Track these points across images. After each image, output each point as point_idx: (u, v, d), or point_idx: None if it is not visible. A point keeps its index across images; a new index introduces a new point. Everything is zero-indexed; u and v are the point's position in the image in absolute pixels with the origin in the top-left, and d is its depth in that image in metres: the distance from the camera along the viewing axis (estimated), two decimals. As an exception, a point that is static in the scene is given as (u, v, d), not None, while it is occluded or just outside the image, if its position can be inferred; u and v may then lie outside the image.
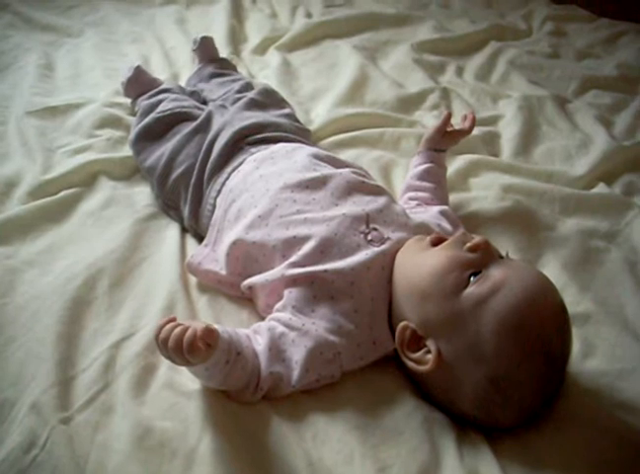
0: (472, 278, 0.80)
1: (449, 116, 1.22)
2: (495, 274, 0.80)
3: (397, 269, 0.90)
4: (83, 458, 0.75)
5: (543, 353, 0.77)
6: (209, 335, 0.71)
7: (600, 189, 1.29)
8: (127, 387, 0.83)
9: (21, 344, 0.90)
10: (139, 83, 1.48)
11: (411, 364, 0.82)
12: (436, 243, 0.88)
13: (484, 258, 0.83)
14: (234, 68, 1.60)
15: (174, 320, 0.74)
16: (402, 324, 0.84)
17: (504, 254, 0.88)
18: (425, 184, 1.16)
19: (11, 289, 0.99)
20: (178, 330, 0.71)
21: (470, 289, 0.80)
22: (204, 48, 1.59)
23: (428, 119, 1.50)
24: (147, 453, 0.75)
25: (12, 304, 0.96)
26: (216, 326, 0.77)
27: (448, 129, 1.22)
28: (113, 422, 0.79)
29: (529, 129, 1.48)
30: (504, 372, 0.77)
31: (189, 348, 0.70)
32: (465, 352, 0.79)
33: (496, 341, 0.77)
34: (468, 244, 0.84)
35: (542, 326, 0.77)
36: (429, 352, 0.81)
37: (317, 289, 0.88)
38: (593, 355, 0.93)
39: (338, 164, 1.09)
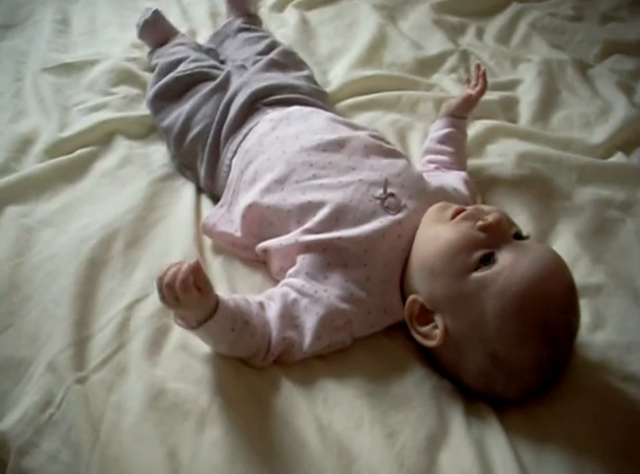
0: (482, 261, 0.79)
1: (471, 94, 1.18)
2: (504, 256, 0.79)
3: (416, 239, 0.89)
4: (98, 418, 0.77)
5: (545, 337, 0.77)
6: (196, 273, 0.71)
7: (618, 158, 1.27)
8: (142, 348, 0.85)
9: (36, 303, 0.91)
10: (157, 29, 1.47)
11: (419, 338, 0.83)
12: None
13: (495, 238, 0.81)
14: (261, 24, 1.58)
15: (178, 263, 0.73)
16: (411, 298, 0.84)
17: (522, 229, 0.87)
18: (445, 148, 1.15)
19: (27, 249, 1.00)
20: (174, 268, 0.71)
21: (477, 272, 0.79)
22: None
23: (446, 83, 1.48)
24: (160, 414, 0.77)
25: (28, 264, 0.97)
26: (223, 294, 0.78)
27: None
28: (127, 382, 0.81)
29: (549, 95, 1.45)
30: (505, 353, 0.77)
31: (182, 284, 0.69)
32: (470, 330, 0.79)
33: (498, 323, 0.77)
34: (480, 222, 0.82)
35: (546, 311, 0.77)
36: (436, 326, 0.81)
37: (330, 256, 0.88)
38: (602, 326, 0.92)
39: (355, 127, 1.08)
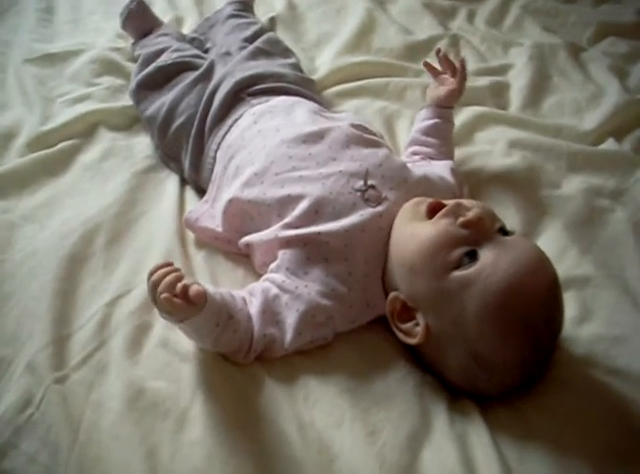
0: (463, 259, 0.78)
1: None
2: (485, 255, 0.77)
3: (392, 235, 0.88)
4: (77, 418, 0.76)
5: (528, 337, 0.76)
6: (197, 297, 0.71)
7: (610, 144, 1.25)
8: (122, 346, 0.84)
9: (18, 301, 0.90)
10: (140, 19, 1.45)
11: (401, 335, 0.82)
12: (431, 212, 0.84)
13: (477, 235, 0.79)
14: (252, 11, 1.56)
15: (171, 264, 0.74)
16: (393, 295, 0.83)
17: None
18: (430, 139, 1.13)
19: (8, 245, 0.99)
20: (171, 277, 0.71)
21: (458, 271, 0.77)
22: None
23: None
24: (140, 413, 0.76)
25: (9, 260, 0.96)
26: (210, 288, 0.77)
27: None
28: (107, 381, 0.80)
29: (540, 80, 1.43)
30: (487, 352, 0.76)
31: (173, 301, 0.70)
32: (451, 329, 0.78)
33: (480, 323, 0.75)
34: (461, 219, 0.80)
35: (527, 311, 0.75)
36: (418, 324, 0.80)
37: (310, 251, 0.87)
38: (590, 320, 0.91)
39: (338, 118, 1.07)
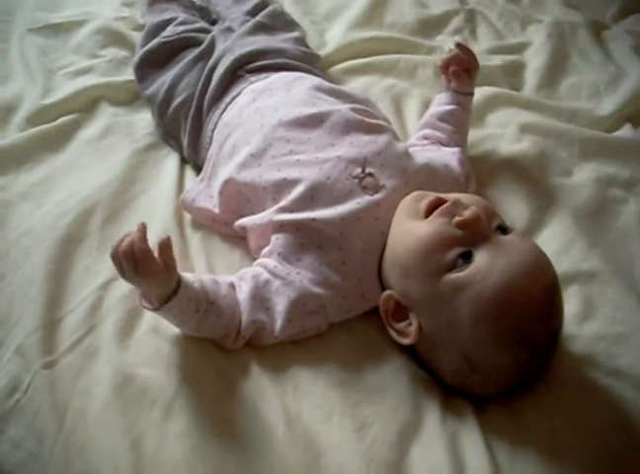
0: (458, 260, 0.75)
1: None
2: (480, 257, 0.75)
3: (390, 231, 0.85)
4: (63, 405, 0.75)
5: (522, 343, 0.74)
6: (164, 246, 0.70)
7: (626, 131, 1.20)
8: (113, 330, 0.83)
9: (10, 281, 0.90)
10: None
11: (394, 335, 0.81)
12: (431, 211, 0.81)
13: (473, 235, 0.76)
14: None
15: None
16: (386, 293, 0.81)
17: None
18: (444, 125, 1.08)
19: (3, 223, 0.97)
20: (130, 237, 0.70)
21: (452, 273, 0.75)
22: None
23: (449, 46, 1.39)
24: (127, 401, 0.75)
25: (4, 239, 0.95)
26: (189, 275, 0.77)
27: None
28: (96, 367, 0.79)
29: (558, 60, 1.38)
30: (480, 357, 0.75)
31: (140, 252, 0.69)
32: (444, 331, 0.76)
33: (473, 327, 0.74)
34: (457, 218, 0.77)
35: (521, 318, 0.73)
36: (411, 324, 0.79)
37: (304, 237, 0.85)
38: (593, 317, 0.88)
39: (341, 97, 1.03)
